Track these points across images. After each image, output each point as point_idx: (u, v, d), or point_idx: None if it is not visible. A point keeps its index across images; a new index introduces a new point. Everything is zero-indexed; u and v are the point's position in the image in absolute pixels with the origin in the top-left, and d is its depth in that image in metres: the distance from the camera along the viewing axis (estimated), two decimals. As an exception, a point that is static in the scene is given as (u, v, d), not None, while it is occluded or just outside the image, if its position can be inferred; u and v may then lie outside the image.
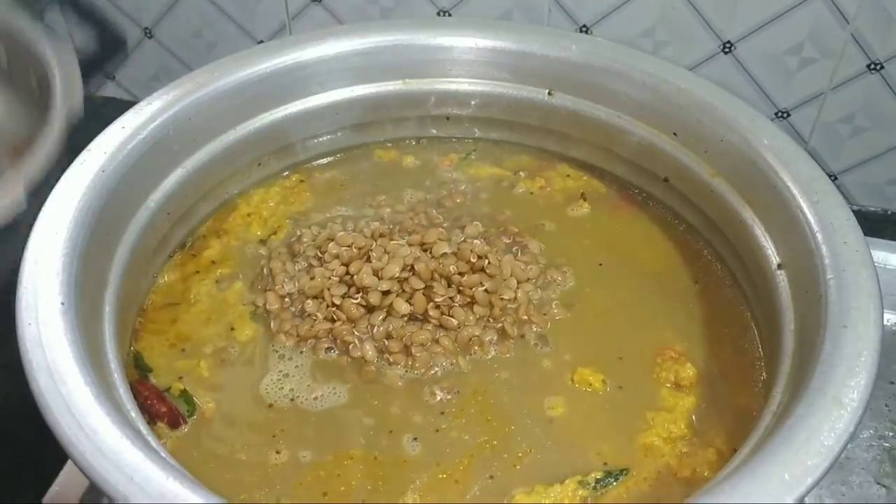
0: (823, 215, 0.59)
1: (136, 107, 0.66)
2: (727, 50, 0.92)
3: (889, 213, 1.02)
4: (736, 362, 0.63)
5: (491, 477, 0.56)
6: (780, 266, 0.61)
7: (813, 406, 0.48)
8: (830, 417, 0.47)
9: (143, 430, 0.50)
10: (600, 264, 0.70)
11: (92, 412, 0.46)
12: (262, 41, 1.05)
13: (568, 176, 0.79)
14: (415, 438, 0.58)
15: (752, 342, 0.64)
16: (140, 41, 1.09)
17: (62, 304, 0.52)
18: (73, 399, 0.47)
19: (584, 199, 0.76)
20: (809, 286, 0.57)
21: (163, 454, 0.48)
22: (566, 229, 0.73)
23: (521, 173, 0.79)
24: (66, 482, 0.61)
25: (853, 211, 0.85)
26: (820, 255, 0.57)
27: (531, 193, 0.77)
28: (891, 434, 0.72)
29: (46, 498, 0.61)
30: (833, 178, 1.00)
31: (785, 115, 0.96)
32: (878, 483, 0.69)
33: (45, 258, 0.54)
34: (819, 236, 0.58)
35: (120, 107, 1.12)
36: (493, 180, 0.79)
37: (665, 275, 0.70)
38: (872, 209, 1.02)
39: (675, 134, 0.71)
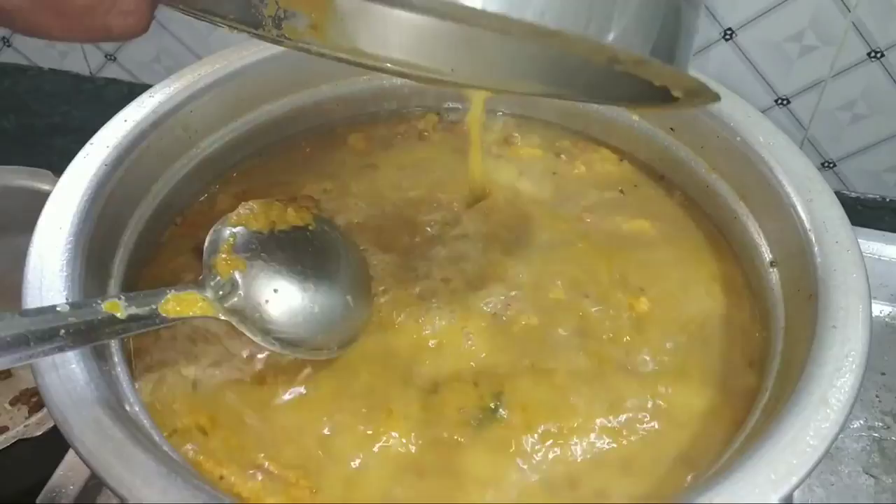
0: (816, 214, 0.59)
1: (138, 99, 0.67)
2: (728, 37, 0.92)
3: (887, 200, 1.02)
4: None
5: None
6: (772, 263, 0.62)
7: (799, 405, 0.49)
8: (816, 417, 0.48)
9: (147, 426, 0.51)
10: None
11: (97, 407, 0.47)
12: (264, 24, 1.05)
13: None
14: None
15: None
16: (142, 22, 1.08)
17: (67, 299, 0.53)
18: (79, 395, 0.48)
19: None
20: (801, 285, 0.57)
21: (165, 448, 0.49)
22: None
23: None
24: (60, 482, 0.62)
25: (851, 198, 0.85)
26: (812, 254, 0.57)
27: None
28: (880, 425, 0.73)
29: (41, 497, 0.62)
30: (832, 164, 1.00)
31: (785, 101, 0.96)
32: (867, 473, 0.71)
33: (49, 254, 0.55)
34: (811, 235, 0.58)
35: (121, 88, 1.13)
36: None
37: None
38: (871, 196, 1.02)
39: (672, 129, 0.72)
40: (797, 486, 0.46)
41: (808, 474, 0.46)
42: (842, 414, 0.48)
